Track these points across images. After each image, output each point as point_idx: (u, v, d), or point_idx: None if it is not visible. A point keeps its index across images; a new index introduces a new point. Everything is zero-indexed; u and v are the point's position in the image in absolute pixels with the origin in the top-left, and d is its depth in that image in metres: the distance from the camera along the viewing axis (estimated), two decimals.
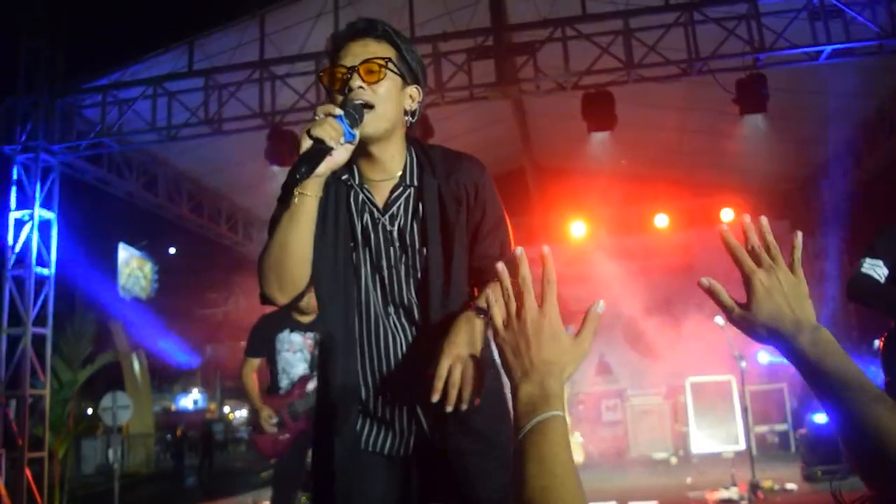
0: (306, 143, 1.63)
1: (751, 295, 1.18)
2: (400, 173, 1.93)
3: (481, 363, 1.70)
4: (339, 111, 1.68)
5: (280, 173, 8.67)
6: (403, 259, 1.91)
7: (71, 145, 8.90)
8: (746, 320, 1.19)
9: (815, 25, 7.53)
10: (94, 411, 9.71)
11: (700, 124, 10.18)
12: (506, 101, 9.63)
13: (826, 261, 12.03)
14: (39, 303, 8.40)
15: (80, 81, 9.02)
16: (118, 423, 9.06)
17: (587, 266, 11.58)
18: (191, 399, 34.79)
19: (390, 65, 1.82)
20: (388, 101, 1.82)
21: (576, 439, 9.71)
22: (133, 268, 18.17)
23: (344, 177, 1.92)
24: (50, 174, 8.78)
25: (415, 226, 1.92)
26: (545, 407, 1.08)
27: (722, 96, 7.74)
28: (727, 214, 11.94)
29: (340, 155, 1.70)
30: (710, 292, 1.21)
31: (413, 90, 1.91)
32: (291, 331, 4.84)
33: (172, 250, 19.48)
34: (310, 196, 1.71)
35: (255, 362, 4.97)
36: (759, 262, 1.20)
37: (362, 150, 1.85)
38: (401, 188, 1.92)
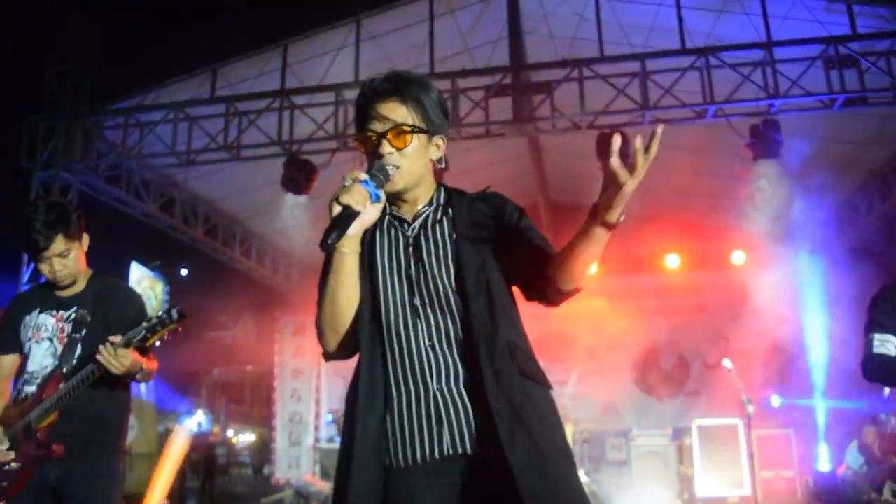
0: (336, 210, 1.71)
1: None
2: (428, 199, 2.01)
3: None
4: (364, 175, 1.77)
5: (294, 201, 8.76)
6: (434, 253, 1.92)
7: (90, 165, 9.05)
8: None
9: (830, 73, 7.60)
10: None
11: (714, 167, 10.23)
12: (522, 138, 9.73)
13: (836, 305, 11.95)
14: None
15: (103, 104, 9.20)
16: None
17: (597, 304, 11.57)
18: (195, 421, 34.67)
19: (416, 129, 1.89)
20: (416, 159, 1.91)
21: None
22: (145, 287, 18.22)
23: None
24: (68, 193, 8.90)
25: (444, 223, 1.96)
26: None
27: (736, 140, 7.81)
28: (738, 257, 11.94)
29: (370, 214, 1.80)
30: None
31: (438, 140, 1.98)
32: (41, 311, 3.25)
33: (184, 272, 19.53)
34: (348, 253, 1.81)
35: (6, 361, 3.27)
36: None
37: (393, 196, 1.94)
38: (428, 205, 2.00)
